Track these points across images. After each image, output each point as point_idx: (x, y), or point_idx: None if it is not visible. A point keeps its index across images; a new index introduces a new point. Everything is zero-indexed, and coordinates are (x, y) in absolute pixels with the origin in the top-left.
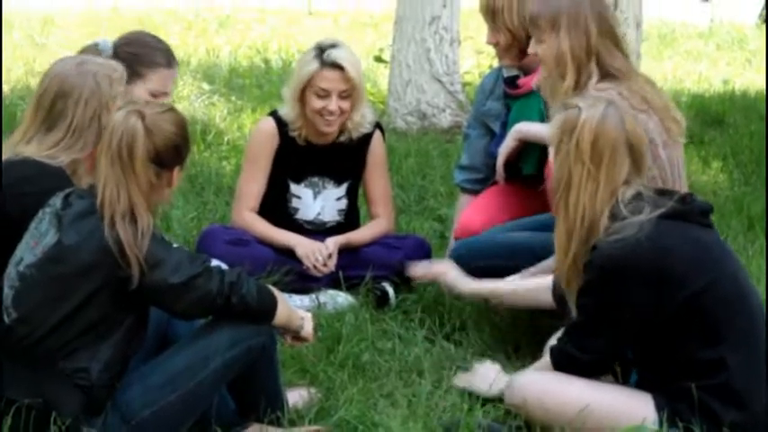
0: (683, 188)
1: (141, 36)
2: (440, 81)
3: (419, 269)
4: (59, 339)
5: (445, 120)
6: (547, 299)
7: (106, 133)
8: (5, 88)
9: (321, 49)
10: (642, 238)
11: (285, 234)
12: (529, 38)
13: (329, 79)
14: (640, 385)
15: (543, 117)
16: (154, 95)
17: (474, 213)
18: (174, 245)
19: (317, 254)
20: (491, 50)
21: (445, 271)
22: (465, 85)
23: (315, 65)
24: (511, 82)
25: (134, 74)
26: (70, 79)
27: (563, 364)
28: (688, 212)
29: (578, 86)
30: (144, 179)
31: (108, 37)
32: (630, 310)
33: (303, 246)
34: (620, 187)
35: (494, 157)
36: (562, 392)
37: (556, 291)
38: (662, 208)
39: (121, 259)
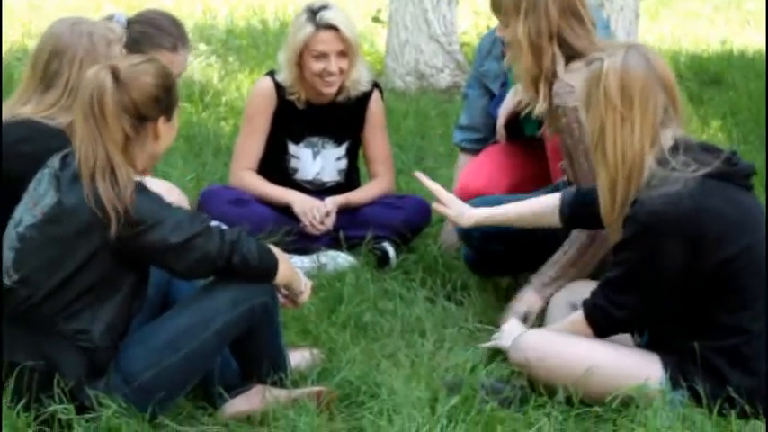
0: None
1: (156, 16)
2: (438, 41)
3: (428, 181)
4: (60, 301)
5: (443, 80)
6: (554, 220)
7: (80, 91)
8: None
9: (313, 12)
10: (686, 195)
11: (282, 191)
12: None
13: (325, 41)
14: (650, 345)
15: None
16: None
17: (474, 173)
18: (174, 205)
19: (314, 211)
20: (488, 10)
21: (449, 207)
22: (463, 45)
23: (309, 28)
24: None
25: (139, 53)
26: (65, 38)
27: (597, 318)
28: (733, 174)
29: (541, 70)
30: (118, 133)
31: (117, 6)
32: (667, 267)
33: (300, 202)
34: (660, 129)
35: (493, 117)
36: (565, 351)
37: (564, 211)
38: (708, 166)
39: (102, 214)
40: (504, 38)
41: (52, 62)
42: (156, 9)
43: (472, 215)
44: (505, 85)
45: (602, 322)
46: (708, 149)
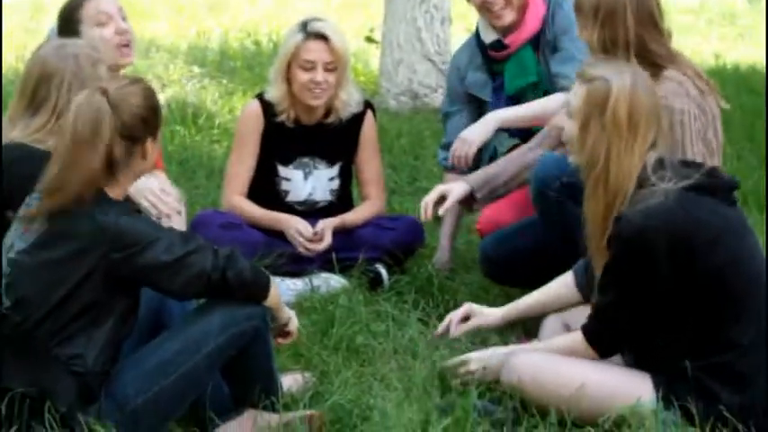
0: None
1: None
2: (431, 60)
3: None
4: (53, 325)
5: (437, 99)
6: (574, 296)
7: (69, 114)
8: None
9: (305, 23)
10: (669, 205)
11: (272, 215)
12: None
13: (314, 50)
14: (639, 364)
15: (540, 69)
16: (101, 25)
17: (503, 207)
18: (166, 227)
19: (297, 234)
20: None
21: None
22: None
23: (299, 36)
24: (495, 46)
25: (77, 22)
26: (51, 62)
27: (599, 341)
28: (714, 187)
29: None
30: (105, 157)
31: None
32: (660, 278)
33: (290, 226)
34: (647, 152)
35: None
36: (557, 371)
37: (581, 285)
38: (688, 179)
39: (92, 236)
40: (584, 40)
41: (40, 87)
42: None
43: (496, 315)
44: (500, 89)
45: (604, 344)
46: (688, 164)
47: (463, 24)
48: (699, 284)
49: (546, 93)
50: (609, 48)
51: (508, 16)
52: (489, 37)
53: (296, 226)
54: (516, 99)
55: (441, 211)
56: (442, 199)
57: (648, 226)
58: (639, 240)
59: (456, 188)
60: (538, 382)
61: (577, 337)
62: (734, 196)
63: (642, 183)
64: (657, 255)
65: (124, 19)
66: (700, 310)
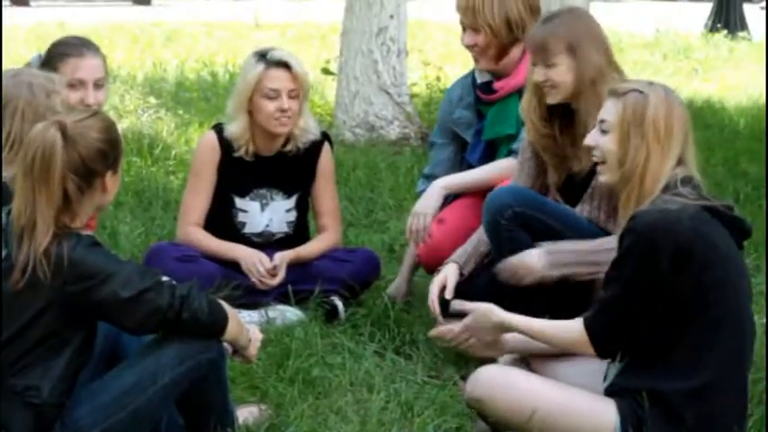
0: None
1: (61, 38)
2: (387, 93)
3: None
4: (9, 356)
5: (393, 131)
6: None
7: (23, 146)
8: None
9: (262, 54)
10: (684, 215)
11: (228, 246)
12: (513, 38)
13: (277, 78)
14: (624, 373)
15: (520, 122)
16: (72, 86)
17: (444, 239)
18: (125, 259)
19: (258, 265)
20: (438, 62)
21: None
22: (413, 96)
23: (260, 67)
24: (485, 87)
25: (52, 69)
26: (5, 91)
27: (599, 336)
28: (729, 220)
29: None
30: (59, 193)
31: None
32: (658, 281)
33: (246, 258)
34: (677, 164)
35: (470, 166)
36: (518, 391)
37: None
38: (708, 201)
39: (47, 270)
40: (546, 81)
41: None
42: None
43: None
44: (481, 133)
45: (604, 339)
46: (711, 195)
47: (419, 57)
48: (686, 297)
49: None
50: (581, 82)
51: (483, 62)
52: (482, 77)
53: (255, 258)
54: (492, 145)
55: (448, 296)
56: (443, 288)
57: (660, 226)
58: (649, 237)
59: (449, 274)
60: (496, 399)
61: (579, 328)
62: (742, 241)
63: (667, 189)
64: (661, 255)
65: (100, 87)
66: (679, 328)
